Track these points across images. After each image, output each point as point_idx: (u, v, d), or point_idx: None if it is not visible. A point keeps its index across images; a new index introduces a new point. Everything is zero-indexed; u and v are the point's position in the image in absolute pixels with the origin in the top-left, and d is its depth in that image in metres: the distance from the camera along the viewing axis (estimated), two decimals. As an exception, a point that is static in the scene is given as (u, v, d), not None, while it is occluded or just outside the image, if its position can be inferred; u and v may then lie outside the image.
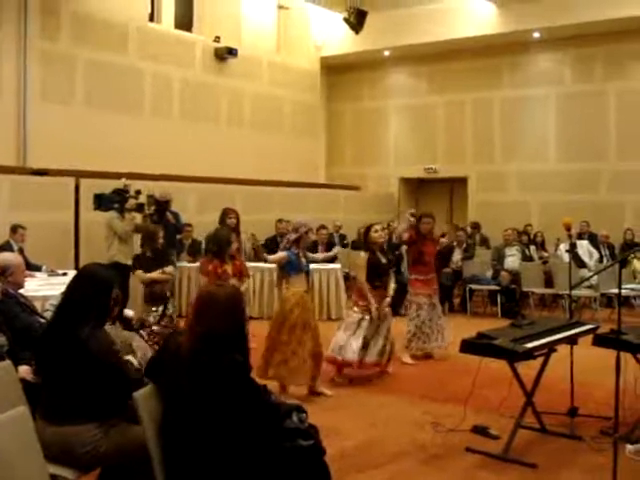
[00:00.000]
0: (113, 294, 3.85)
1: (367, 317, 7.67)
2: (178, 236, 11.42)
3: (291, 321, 6.91)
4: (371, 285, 7.75)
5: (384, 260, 7.95)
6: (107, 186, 9.78)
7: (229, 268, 7.39)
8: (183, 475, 3.36)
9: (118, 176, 10.52)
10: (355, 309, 7.80)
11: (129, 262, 9.08)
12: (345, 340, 7.63)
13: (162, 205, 10.51)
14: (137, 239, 9.31)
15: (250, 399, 3.43)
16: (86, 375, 3.61)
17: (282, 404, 3.67)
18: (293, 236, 7.18)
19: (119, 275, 8.72)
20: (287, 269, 7.11)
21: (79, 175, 11.71)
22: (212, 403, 3.34)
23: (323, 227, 13.95)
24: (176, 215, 11.13)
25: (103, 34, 13.70)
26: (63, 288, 3.99)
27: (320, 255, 9.47)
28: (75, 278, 3.90)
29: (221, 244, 7.41)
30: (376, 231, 7.85)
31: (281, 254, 7.17)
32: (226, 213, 9.06)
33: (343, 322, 7.93)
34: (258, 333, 9.34)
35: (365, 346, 7.66)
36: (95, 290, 3.78)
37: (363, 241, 7.97)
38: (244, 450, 3.35)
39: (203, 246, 10.21)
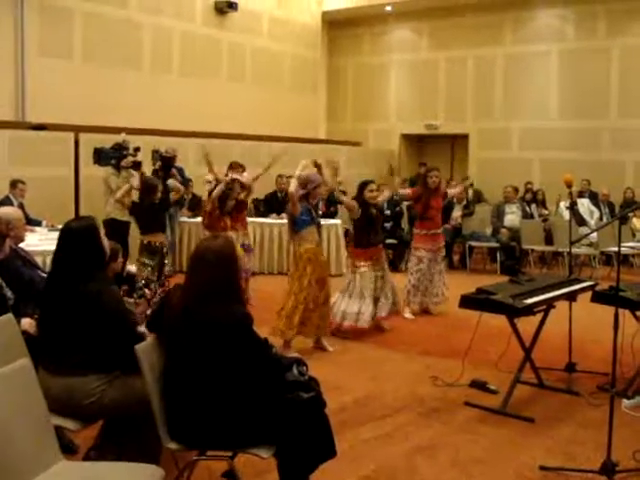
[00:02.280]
0: (100, 239, 3.86)
1: (375, 273, 7.71)
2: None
3: (307, 278, 6.92)
4: (366, 240, 7.76)
5: (376, 216, 7.91)
6: (107, 141, 9.72)
7: (228, 220, 7.37)
8: (185, 427, 3.41)
9: (118, 131, 10.42)
10: (361, 267, 7.76)
11: (126, 218, 9.09)
12: (357, 308, 7.64)
13: (167, 161, 10.45)
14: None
15: (253, 351, 3.46)
16: (94, 328, 3.64)
17: (283, 357, 3.71)
18: (301, 192, 7.01)
19: (117, 231, 8.83)
20: (298, 224, 7.01)
21: (78, 130, 11.62)
22: (214, 356, 3.38)
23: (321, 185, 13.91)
24: (181, 170, 11.00)
25: (102, -14, 13.52)
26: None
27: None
28: (59, 237, 3.90)
29: (222, 198, 7.36)
30: (371, 190, 7.80)
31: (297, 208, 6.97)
32: (233, 167, 9.06)
33: (348, 286, 7.84)
34: (260, 288, 9.41)
35: (375, 304, 7.75)
36: (79, 241, 3.80)
37: (357, 199, 7.88)
38: (246, 402, 3.39)
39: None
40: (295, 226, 7.03)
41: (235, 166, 9.07)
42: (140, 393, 3.53)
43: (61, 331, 3.69)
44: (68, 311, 3.67)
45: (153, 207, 7.88)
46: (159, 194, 7.94)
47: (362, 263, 7.75)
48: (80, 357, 3.64)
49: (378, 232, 8.02)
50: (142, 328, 3.89)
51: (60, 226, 9.20)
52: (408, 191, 8.98)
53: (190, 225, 11.50)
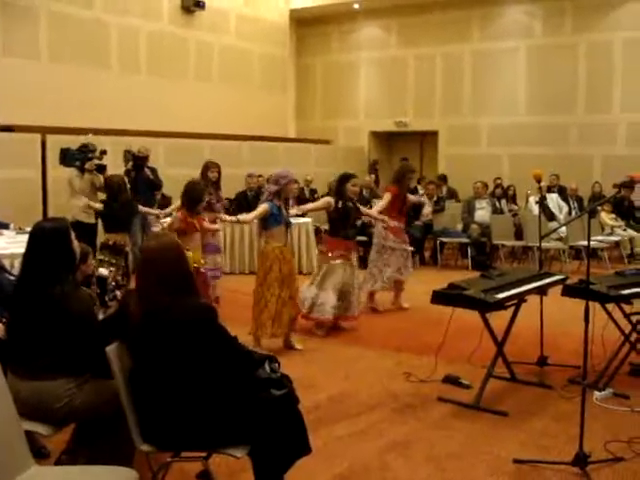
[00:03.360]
0: (70, 242, 3.82)
1: (344, 267, 7.71)
2: (156, 192, 11.13)
3: (272, 277, 6.89)
4: (342, 234, 7.75)
5: (352, 210, 7.86)
6: (74, 142, 9.61)
7: (196, 222, 7.27)
8: (157, 428, 3.38)
9: (85, 132, 10.35)
10: (334, 258, 7.72)
11: (92, 220, 9.05)
12: (318, 296, 7.63)
13: (140, 160, 10.36)
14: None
15: (220, 343, 3.45)
16: (62, 331, 3.59)
17: (254, 354, 3.69)
18: (273, 188, 6.93)
19: (83, 234, 8.73)
20: (268, 222, 6.94)
21: (45, 131, 11.51)
22: (182, 354, 3.35)
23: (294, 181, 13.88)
24: (154, 171, 10.84)
25: (67, -14, 13.40)
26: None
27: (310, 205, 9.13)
28: (29, 237, 3.86)
29: (194, 198, 7.26)
30: (354, 185, 7.76)
31: (261, 208, 6.95)
32: (208, 167, 8.95)
33: (318, 274, 7.84)
34: (230, 287, 9.37)
35: (341, 299, 7.72)
36: (49, 243, 3.74)
37: (336, 190, 7.87)
38: (217, 400, 3.37)
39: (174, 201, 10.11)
40: (265, 223, 6.97)
41: (211, 165, 8.98)
42: (111, 395, 3.50)
43: (30, 334, 3.64)
44: (36, 314, 3.62)
45: (120, 207, 7.90)
46: (126, 194, 7.89)
47: (335, 254, 7.71)
48: (49, 360, 3.59)
49: (353, 227, 8.01)
50: None
51: (28, 229, 9.06)
52: (389, 195, 8.96)
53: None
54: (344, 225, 7.76)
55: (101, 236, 8.22)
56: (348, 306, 7.82)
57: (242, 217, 7.56)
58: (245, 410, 3.37)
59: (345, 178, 7.81)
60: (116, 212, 7.98)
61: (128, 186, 8.46)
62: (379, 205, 9.01)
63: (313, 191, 15.34)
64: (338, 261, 7.70)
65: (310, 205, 8.59)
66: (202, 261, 7.11)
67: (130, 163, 10.23)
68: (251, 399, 3.40)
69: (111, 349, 3.45)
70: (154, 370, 3.38)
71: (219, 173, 8.95)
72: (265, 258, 6.97)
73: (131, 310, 3.50)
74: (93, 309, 3.76)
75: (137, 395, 3.42)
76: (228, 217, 7.67)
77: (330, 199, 7.87)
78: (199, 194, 7.17)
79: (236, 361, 3.49)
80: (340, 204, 7.69)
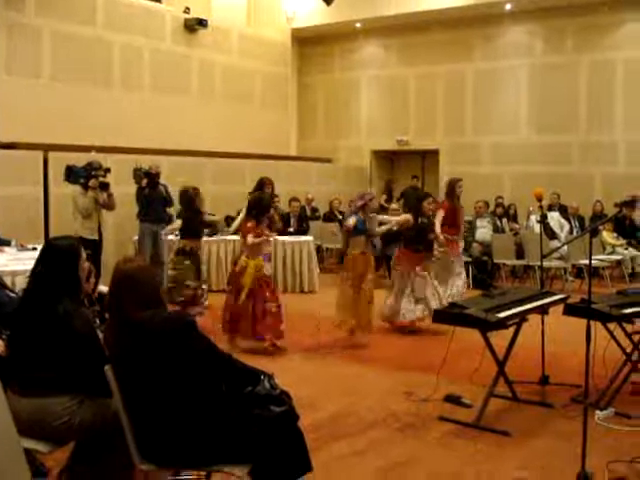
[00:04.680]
0: (81, 263, 3.83)
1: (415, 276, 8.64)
2: (168, 209, 11.11)
3: (367, 278, 8.01)
4: (413, 248, 8.67)
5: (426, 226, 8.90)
6: (77, 159, 9.64)
7: (264, 231, 7.86)
8: (156, 446, 3.36)
9: (88, 149, 10.39)
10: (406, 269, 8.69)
11: (95, 237, 9.18)
12: (399, 304, 8.60)
13: (154, 177, 10.41)
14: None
15: (203, 351, 3.45)
16: (64, 349, 3.59)
17: (253, 370, 3.65)
18: (360, 202, 8.02)
19: (85, 250, 8.77)
20: (354, 232, 7.97)
21: (48, 148, 11.53)
22: (170, 369, 3.34)
23: (295, 199, 13.94)
24: (166, 187, 10.87)
25: (70, 5, 13.44)
26: (32, 263, 3.96)
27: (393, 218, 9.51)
28: (40, 253, 3.88)
29: (263, 209, 7.92)
30: (429, 203, 8.83)
31: (352, 219, 7.97)
32: (265, 182, 9.43)
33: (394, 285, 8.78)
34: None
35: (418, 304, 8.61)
36: (59, 262, 3.77)
37: (416, 208, 8.85)
38: (214, 416, 3.34)
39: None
40: (353, 232, 7.98)
41: (267, 181, 9.45)
42: (111, 413, 3.49)
43: (31, 351, 3.64)
44: (38, 331, 3.62)
45: (194, 216, 8.83)
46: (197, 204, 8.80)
47: (404, 266, 8.68)
48: (50, 377, 3.59)
49: (426, 242, 8.84)
50: None
51: (30, 246, 9.11)
52: (441, 212, 9.55)
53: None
54: (418, 240, 8.65)
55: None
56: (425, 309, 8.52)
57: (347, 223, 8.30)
58: (245, 427, 3.35)
59: (422, 198, 8.94)
60: (190, 220, 8.77)
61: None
62: (437, 224, 9.49)
63: (314, 209, 15.35)
64: (408, 272, 8.61)
65: (393, 218, 9.11)
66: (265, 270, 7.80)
67: (145, 180, 10.27)
68: (250, 415, 3.38)
69: (109, 368, 3.44)
70: (147, 389, 3.37)
71: (273, 189, 9.49)
72: (356, 262, 8.00)
73: (105, 334, 3.55)
74: (95, 328, 3.76)
75: (134, 413, 3.40)
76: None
77: (409, 216, 8.69)
78: (267, 205, 8.09)
79: (224, 371, 3.49)
80: (419, 220, 8.67)
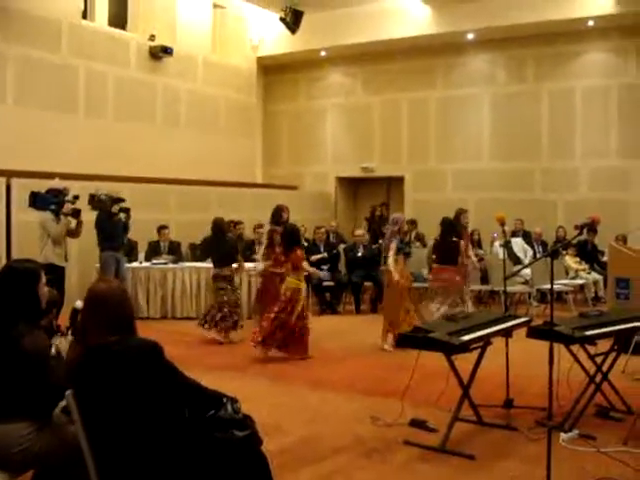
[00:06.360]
0: (40, 286, 3.77)
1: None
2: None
3: (401, 288, 9.18)
4: (441, 262, 10.10)
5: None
6: (40, 186, 9.58)
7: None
8: (116, 473, 3.29)
9: (51, 176, 10.31)
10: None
11: (63, 264, 9.18)
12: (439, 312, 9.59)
13: (123, 203, 10.38)
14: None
15: (169, 377, 3.39)
16: (16, 372, 3.52)
17: (216, 394, 3.60)
18: (396, 227, 9.29)
19: (54, 276, 8.70)
20: (398, 251, 9.17)
21: (10, 175, 11.45)
22: (130, 392, 3.28)
23: (260, 226, 13.91)
24: (128, 213, 10.86)
25: (35, 31, 13.39)
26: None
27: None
28: None
29: (295, 239, 8.90)
30: (465, 217, 10.38)
31: (394, 244, 9.18)
32: (282, 209, 9.81)
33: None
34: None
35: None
36: (17, 284, 3.71)
37: (454, 224, 10.16)
38: (175, 442, 3.28)
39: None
40: (397, 252, 9.16)
41: (283, 208, 9.82)
42: (71, 441, 3.41)
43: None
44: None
45: (227, 245, 9.91)
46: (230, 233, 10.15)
47: (439, 281, 10.05)
48: (6, 403, 3.51)
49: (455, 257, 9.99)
50: None
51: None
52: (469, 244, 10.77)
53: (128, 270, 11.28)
54: (450, 256, 9.92)
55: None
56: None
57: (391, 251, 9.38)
58: (207, 451, 3.31)
59: (460, 213, 10.33)
60: (224, 249, 9.74)
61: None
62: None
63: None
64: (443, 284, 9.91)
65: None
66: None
67: (116, 207, 10.20)
68: (212, 439, 3.33)
69: (70, 393, 3.37)
70: (108, 412, 3.30)
71: (288, 216, 9.81)
72: (393, 274, 9.14)
73: (68, 354, 3.47)
74: (48, 349, 3.68)
75: (95, 439, 3.33)
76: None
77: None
78: (298, 236, 9.14)
79: (187, 396, 3.44)
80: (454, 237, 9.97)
